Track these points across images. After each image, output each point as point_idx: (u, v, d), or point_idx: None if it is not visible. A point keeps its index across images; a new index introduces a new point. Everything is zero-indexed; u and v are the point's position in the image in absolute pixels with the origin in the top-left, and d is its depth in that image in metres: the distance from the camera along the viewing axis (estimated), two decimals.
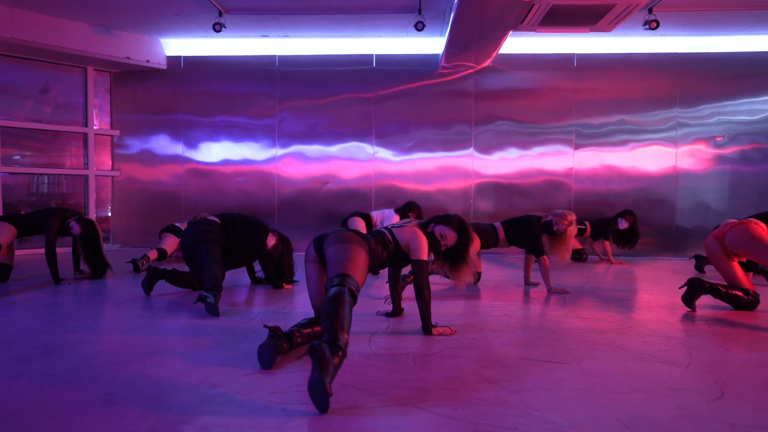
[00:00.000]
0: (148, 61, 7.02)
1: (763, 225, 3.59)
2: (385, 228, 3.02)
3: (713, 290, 3.62)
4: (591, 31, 5.42)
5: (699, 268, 5.62)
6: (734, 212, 6.64)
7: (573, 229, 4.28)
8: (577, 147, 7.09)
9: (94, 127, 7.15)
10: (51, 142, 6.93)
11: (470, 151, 7.14)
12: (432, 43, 7.00)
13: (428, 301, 2.91)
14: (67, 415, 1.86)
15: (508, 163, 7.13)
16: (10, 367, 2.37)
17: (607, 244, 6.17)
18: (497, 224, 4.60)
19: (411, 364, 2.51)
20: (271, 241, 4.33)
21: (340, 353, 2.06)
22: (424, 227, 3.02)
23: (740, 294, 3.63)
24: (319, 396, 1.90)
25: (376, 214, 5.97)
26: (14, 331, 3.01)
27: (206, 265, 3.73)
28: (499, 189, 7.16)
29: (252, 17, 6.26)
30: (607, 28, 5.37)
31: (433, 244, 2.97)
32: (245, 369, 2.38)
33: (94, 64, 6.97)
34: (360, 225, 5.75)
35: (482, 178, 7.14)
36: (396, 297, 3.43)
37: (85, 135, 7.10)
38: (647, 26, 5.64)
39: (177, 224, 5.84)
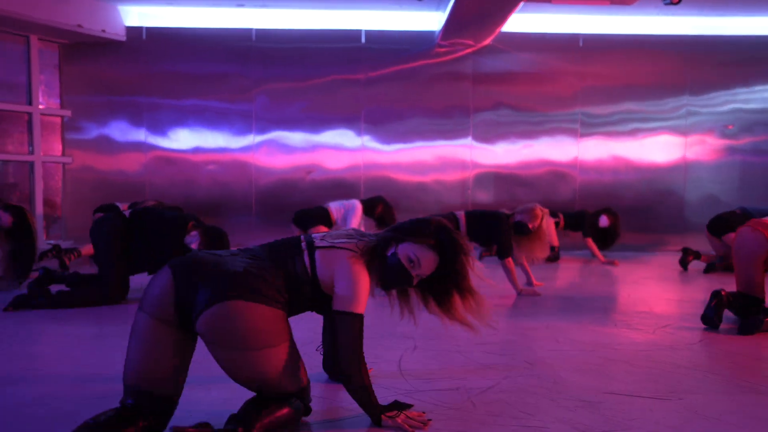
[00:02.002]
0: (104, 30, 6.12)
1: None
2: (306, 243, 1.76)
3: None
4: (611, 4, 4.91)
5: (684, 263, 5.12)
6: (745, 205, 6.28)
7: (548, 221, 3.93)
8: (582, 136, 6.60)
9: (40, 107, 6.21)
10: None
11: (468, 139, 6.56)
12: (428, 18, 6.36)
13: (363, 380, 1.67)
14: None
15: (508, 152, 6.59)
16: None
17: (590, 242, 5.63)
18: (459, 213, 4.02)
19: (468, 404, 1.88)
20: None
21: None
22: (373, 251, 1.74)
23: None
24: None
25: (335, 207, 5.23)
26: None
27: None
28: (500, 179, 6.61)
29: None
30: (630, 1, 4.85)
31: (394, 277, 1.74)
32: None
33: (38, 32, 6.02)
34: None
35: (481, 168, 6.58)
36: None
37: (29, 115, 6.15)
38: (668, 1, 5.15)
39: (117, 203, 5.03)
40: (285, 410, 1.62)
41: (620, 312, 3.41)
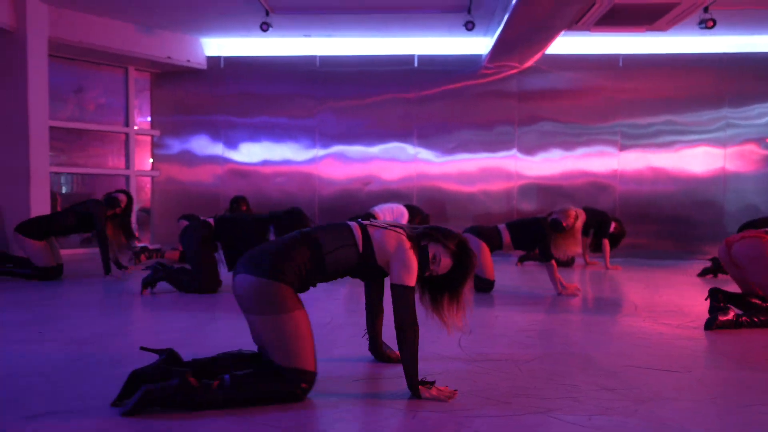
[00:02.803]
0: (188, 61, 6.99)
1: None
2: (359, 221, 2.16)
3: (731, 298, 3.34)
4: (647, 30, 5.32)
5: (714, 271, 5.37)
6: None
7: (580, 223, 4.32)
8: (622, 148, 6.98)
9: (135, 128, 7.13)
10: (90, 142, 6.92)
11: (513, 152, 7.06)
12: (475, 43, 6.92)
13: (414, 345, 2.00)
14: None
15: (551, 164, 7.04)
16: None
17: (606, 243, 5.86)
18: (502, 226, 4.52)
19: (516, 370, 2.43)
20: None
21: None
22: (415, 239, 2.10)
23: (758, 302, 3.32)
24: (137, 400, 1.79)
25: (381, 210, 5.64)
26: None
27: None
28: (543, 190, 7.06)
29: (296, 17, 6.21)
30: (665, 27, 5.26)
31: (421, 264, 2.09)
32: None
33: (135, 64, 6.95)
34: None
35: (525, 180, 7.05)
36: (376, 333, 2.48)
37: (126, 135, 7.08)
38: (703, 25, 5.53)
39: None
40: (287, 395, 1.92)
41: (649, 310, 3.85)
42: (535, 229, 4.35)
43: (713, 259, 5.47)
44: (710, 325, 3.21)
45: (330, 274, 2.07)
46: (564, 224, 4.28)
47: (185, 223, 6.07)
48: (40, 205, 5.84)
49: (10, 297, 3.99)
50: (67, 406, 1.92)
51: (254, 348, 2.18)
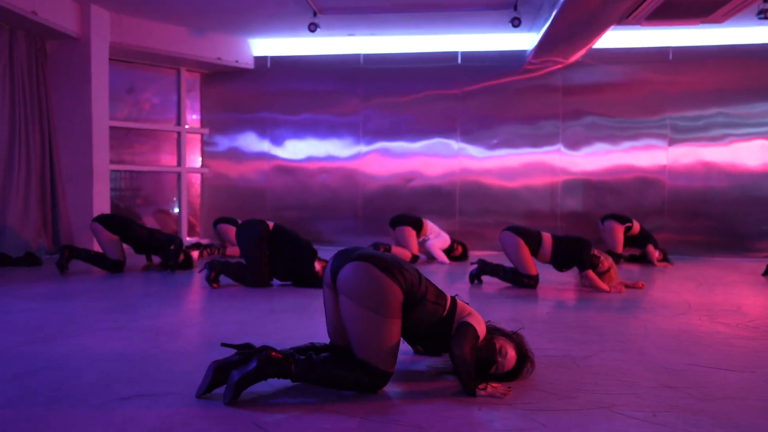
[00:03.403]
0: (237, 61, 7.19)
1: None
2: (454, 296, 2.26)
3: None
4: (701, 23, 5.19)
5: None
6: None
7: (613, 273, 4.38)
8: (671, 142, 6.82)
9: (186, 126, 7.40)
10: (141, 140, 7.21)
11: (557, 147, 6.99)
12: (519, 39, 6.88)
13: (473, 341, 2.10)
14: None
15: (597, 159, 6.94)
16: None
17: (651, 249, 5.99)
18: (546, 235, 4.51)
19: (574, 366, 2.46)
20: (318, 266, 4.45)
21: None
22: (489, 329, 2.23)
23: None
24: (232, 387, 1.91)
25: (431, 225, 6.18)
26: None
27: None
28: (588, 186, 6.97)
29: (342, 17, 6.31)
30: (720, 20, 5.12)
31: (488, 358, 2.15)
32: None
33: (187, 65, 7.20)
34: (409, 240, 5.90)
35: (570, 175, 6.98)
36: None
37: (178, 133, 7.35)
38: (762, 15, 5.34)
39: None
40: (359, 386, 2.00)
41: (704, 309, 3.79)
42: (576, 250, 4.35)
43: None
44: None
45: (413, 321, 2.10)
46: (598, 269, 4.36)
47: (224, 227, 6.35)
48: (101, 202, 6.15)
49: (82, 286, 4.25)
50: (153, 389, 2.07)
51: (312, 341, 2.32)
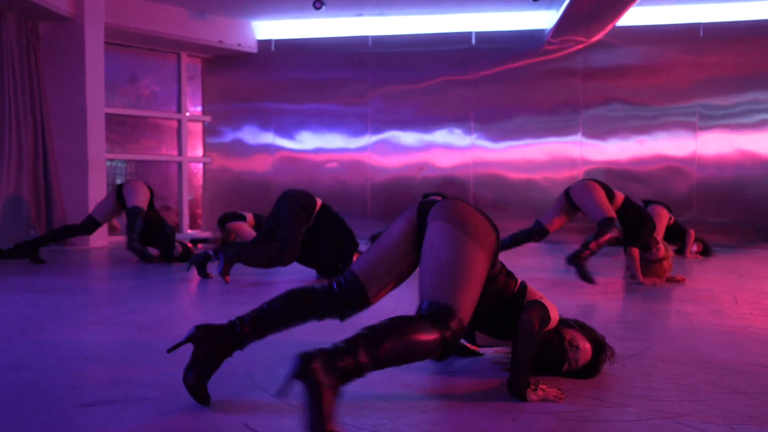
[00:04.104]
0: (239, 45, 6.88)
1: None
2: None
3: None
4: None
5: None
6: None
7: (667, 266, 3.94)
8: (700, 129, 6.41)
9: (187, 114, 7.10)
10: (141, 129, 6.92)
11: (578, 135, 6.61)
12: (537, 17, 6.49)
13: (536, 343, 1.78)
14: None
15: (620, 147, 6.55)
16: None
17: (691, 237, 5.54)
18: (619, 192, 4.15)
19: (620, 367, 2.10)
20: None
21: (336, 378, 1.31)
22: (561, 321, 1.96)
23: None
24: None
25: None
26: None
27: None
28: (611, 176, 6.58)
29: None
30: None
31: (558, 353, 1.88)
32: None
33: (187, 50, 6.90)
34: None
35: (591, 165, 6.59)
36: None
37: (179, 121, 7.06)
38: None
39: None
40: (432, 335, 1.48)
41: (752, 302, 3.41)
42: (641, 224, 3.96)
43: None
44: None
45: (484, 293, 1.76)
46: (650, 255, 3.94)
47: (235, 225, 5.78)
48: (97, 192, 5.86)
49: (72, 280, 3.95)
50: (126, 394, 1.74)
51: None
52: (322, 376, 1.29)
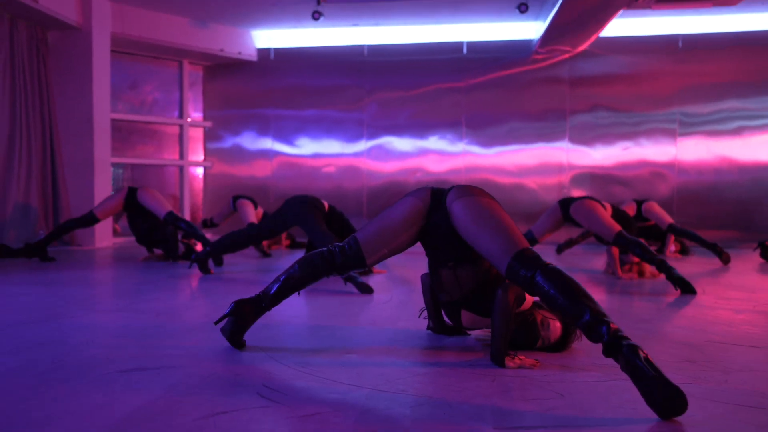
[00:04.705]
0: (239, 53, 7.14)
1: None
2: None
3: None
4: (713, 6, 5.12)
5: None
6: None
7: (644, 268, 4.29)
8: (680, 135, 6.73)
9: (188, 120, 7.34)
10: (143, 134, 7.16)
11: (565, 141, 6.91)
12: (525, 28, 6.81)
13: (512, 311, 1.98)
14: None
15: (605, 153, 6.86)
16: None
17: (672, 238, 5.78)
18: (605, 203, 4.45)
19: (588, 343, 2.36)
20: None
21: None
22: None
23: None
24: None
25: None
26: None
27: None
28: (597, 180, 6.88)
29: (345, 5, 6.25)
30: (734, 2, 5.04)
31: (531, 333, 2.11)
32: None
33: (189, 58, 7.15)
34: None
35: (578, 170, 6.89)
36: (437, 308, 2.38)
37: (181, 126, 7.30)
38: None
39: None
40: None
41: (718, 294, 3.69)
42: (626, 226, 4.35)
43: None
44: None
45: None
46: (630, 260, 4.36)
47: (243, 202, 5.95)
48: (103, 196, 6.08)
49: (82, 275, 4.17)
50: (156, 363, 1.99)
51: None
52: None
